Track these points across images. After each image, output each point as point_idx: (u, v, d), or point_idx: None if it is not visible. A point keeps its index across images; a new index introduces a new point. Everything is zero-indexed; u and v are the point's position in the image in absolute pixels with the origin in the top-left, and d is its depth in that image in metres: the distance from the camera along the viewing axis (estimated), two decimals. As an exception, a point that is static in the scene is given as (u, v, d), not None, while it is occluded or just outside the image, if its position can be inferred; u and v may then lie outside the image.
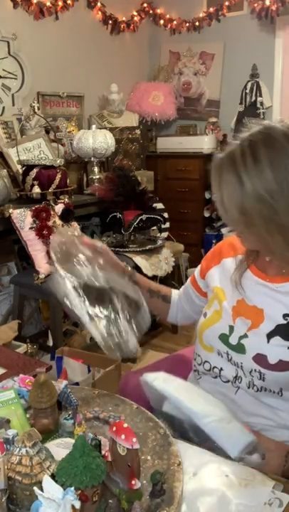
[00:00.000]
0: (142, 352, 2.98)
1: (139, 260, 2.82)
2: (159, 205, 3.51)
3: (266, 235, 0.96)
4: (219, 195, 0.97)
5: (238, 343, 1.08)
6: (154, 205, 3.23)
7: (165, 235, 3.55)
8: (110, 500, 0.81)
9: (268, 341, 1.04)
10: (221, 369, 1.12)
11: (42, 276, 2.41)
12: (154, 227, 3.27)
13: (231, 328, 1.10)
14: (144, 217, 2.90)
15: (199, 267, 1.28)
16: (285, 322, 1.03)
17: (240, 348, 1.08)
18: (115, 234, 3.13)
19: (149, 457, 0.91)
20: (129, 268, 1.34)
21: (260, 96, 3.89)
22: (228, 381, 1.12)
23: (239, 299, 1.11)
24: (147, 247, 2.92)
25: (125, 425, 0.80)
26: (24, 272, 2.78)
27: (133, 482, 0.78)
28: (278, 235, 0.95)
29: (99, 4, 3.84)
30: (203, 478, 0.88)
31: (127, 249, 2.90)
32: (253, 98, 3.90)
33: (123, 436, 0.78)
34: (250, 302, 1.09)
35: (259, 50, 3.91)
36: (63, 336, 2.62)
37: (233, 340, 1.09)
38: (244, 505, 0.81)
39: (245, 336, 1.07)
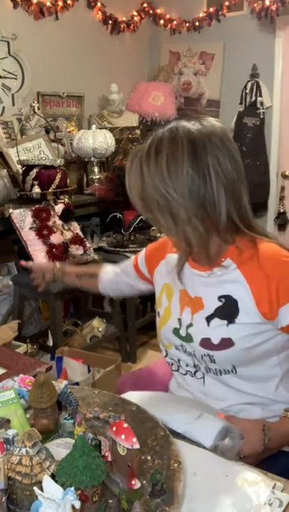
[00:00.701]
0: (142, 352, 2.99)
1: (139, 260, 2.82)
2: (159, 205, 3.50)
3: (163, 222, 1.04)
4: (126, 183, 1.05)
5: (186, 334, 1.13)
6: (154, 205, 3.22)
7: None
8: (110, 500, 0.81)
9: (208, 324, 1.09)
10: (182, 360, 1.18)
11: (42, 276, 2.40)
12: (154, 227, 3.27)
13: (179, 321, 1.16)
14: (144, 217, 2.90)
15: (143, 253, 1.35)
16: (220, 303, 1.09)
17: (188, 338, 1.13)
18: (115, 234, 3.13)
19: (149, 457, 0.91)
20: (57, 264, 1.56)
21: (260, 96, 3.88)
22: (193, 375, 1.17)
23: (181, 289, 1.17)
24: (147, 247, 2.92)
25: (125, 425, 0.80)
26: (24, 271, 2.77)
27: (133, 482, 0.78)
28: (172, 223, 1.02)
29: (99, 4, 3.84)
30: (203, 478, 0.88)
31: (127, 249, 2.91)
32: (253, 98, 3.90)
33: (123, 436, 0.78)
34: (192, 293, 1.15)
35: (259, 50, 3.91)
36: (63, 336, 2.62)
37: (183, 331, 1.14)
38: (244, 505, 0.81)
39: (190, 325, 1.13)
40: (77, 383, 1.96)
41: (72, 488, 0.71)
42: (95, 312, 3.07)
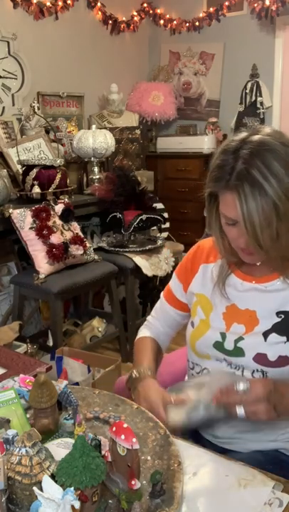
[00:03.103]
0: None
1: (139, 260, 2.82)
2: (159, 205, 3.51)
3: (285, 241, 0.96)
4: (247, 217, 0.94)
5: (235, 347, 1.09)
6: (154, 205, 3.23)
7: (165, 235, 3.55)
8: (110, 501, 0.81)
9: (265, 340, 1.06)
10: None
11: (42, 276, 2.40)
12: (154, 227, 3.26)
13: (223, 335, 1.11)
14: (144, 217, 2.90)
15: (178, 284, 1.26)
16: (279, 319, 1.05)
17: (238, 352, 1.08)
18: (115, 234, 3.13)
19: (149, 457, 0.91)
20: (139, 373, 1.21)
21: (260, 96, 3.89)
22: None
23: (228, 305, 1.12)
24: (147, 247, 2.92)
25: (125, 425, 0.80)
26: (24, 272, 2.78)
27: (133, 482, 0.77)
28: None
29: (99, 4, 3.85)
30: (203, 478, 0.88)
31: (127, 249, 2.90)
32: (253, 98, 3.90)
33: (123, 437, 0.78)
34: (242, 306, 1.10)
35: (259, 50, 3.91)
36: (63, 336, 2.62)
37: (229, 345, 1.09)
38: (244, 505, 0.81)
39: (241, 338, 1.08)
40: (77, 383, 1.96)
41: (72, 489, 0.70)
42: (95, 312, 3.07)
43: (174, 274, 1.29)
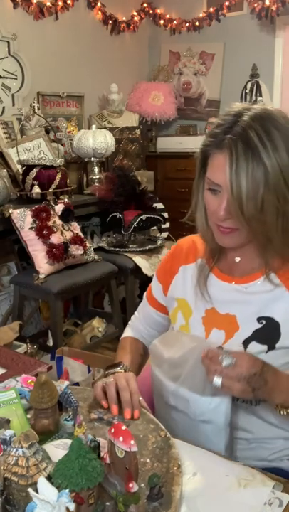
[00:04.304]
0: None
1: (139, 260, 2.82)
2: (159, 205, 3.50)
3: (273, 217, 0.92)
4: (235, 179, 0.89)
5: None
6: (154, 205, 3.23)
7: (165, 235, 3.55)
8: (107, 503, 0.80)
9: (245, 349, 1.00)
10: None
11: (42, 276, 2.40)
12: (154, 227, 3.26)
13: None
14: (144, 217, 2.90)
15: (158, 285, 1.21)
16: (260, 326, 1.00)
17: None
18: (115, 234, 3.13)
19: (148, 460, 0.91)
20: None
21: (260, 96, 3.88)
22: None
23: (208, 308, 1.07)
24: (147, 247, 2.92)
25: (124, 427, 0.79)
26: (24, 272, 2.77)
27: (130, 485, 0.77)
28: (282, 217, 0.93)
29: (99, 4, 3.84)
30: (203, 478, 0.87)
31: (127, 249, 2.90)
32: (253, 98, 3.89)
33: (121, 439, 0.77)
34: (222, 310, 1.05)
35: (259, 50, 3.91)
36: (63, 336, 2.62)
37: None
38: (244, 505, 0.81)
39: (219, 347, 1.02)
40: (77, 383, 1.95)
41: (67, 491, 0.70)
42: (95, 312, 3.07)
43: (154, 275, 1.24)
